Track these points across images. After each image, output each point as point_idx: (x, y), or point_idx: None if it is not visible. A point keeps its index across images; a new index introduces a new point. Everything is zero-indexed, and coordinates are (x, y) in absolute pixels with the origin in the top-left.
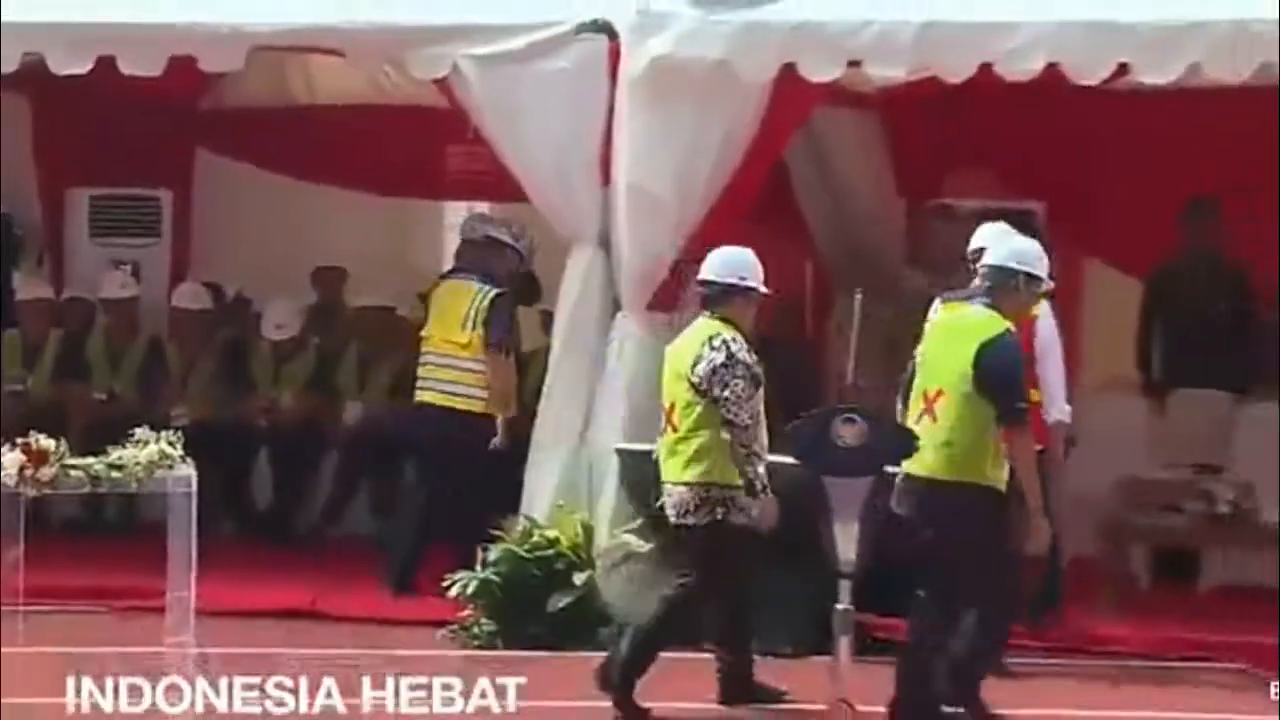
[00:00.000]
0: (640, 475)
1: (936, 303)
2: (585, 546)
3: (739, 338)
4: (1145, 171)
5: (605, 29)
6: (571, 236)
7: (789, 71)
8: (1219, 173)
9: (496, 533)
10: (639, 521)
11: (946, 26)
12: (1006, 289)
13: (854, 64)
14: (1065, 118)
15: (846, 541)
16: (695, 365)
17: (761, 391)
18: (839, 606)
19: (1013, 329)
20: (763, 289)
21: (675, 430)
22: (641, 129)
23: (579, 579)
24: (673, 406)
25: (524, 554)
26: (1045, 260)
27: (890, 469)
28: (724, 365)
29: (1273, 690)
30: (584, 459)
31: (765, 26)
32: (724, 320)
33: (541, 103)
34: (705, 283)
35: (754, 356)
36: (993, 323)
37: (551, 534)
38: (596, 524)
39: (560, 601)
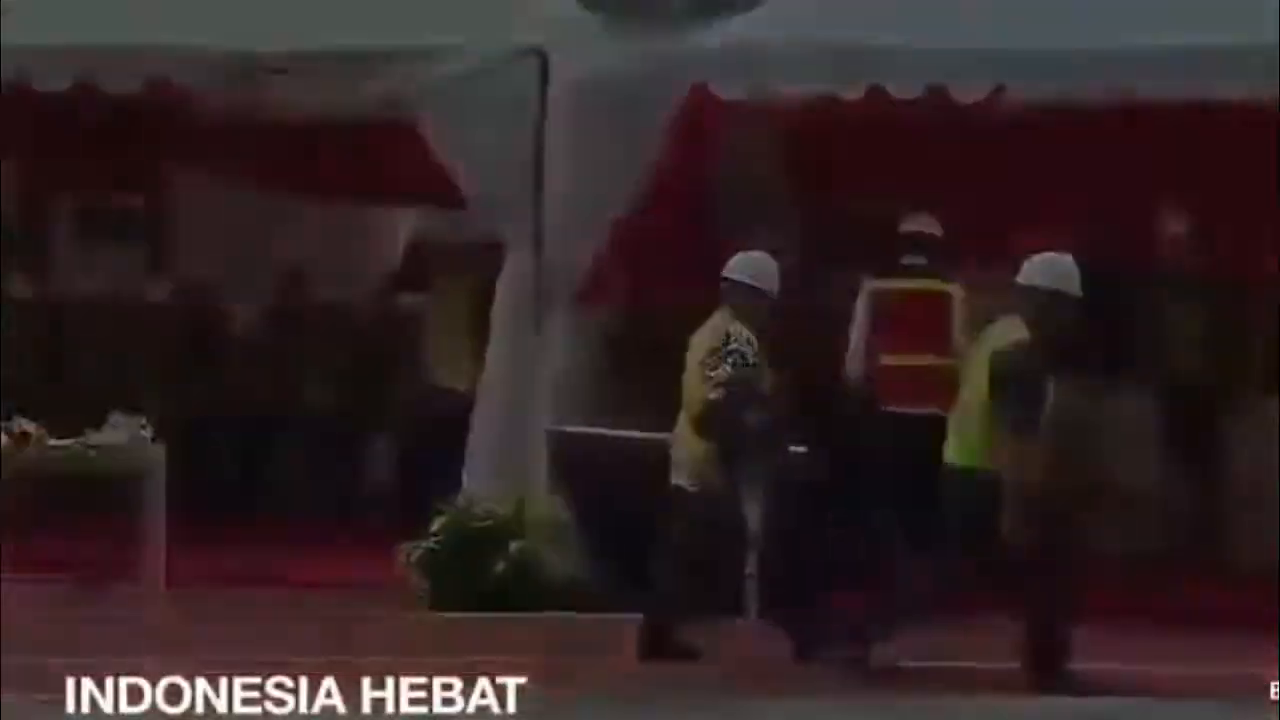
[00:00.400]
0: (566, 454)
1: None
2: (519, 517)
3: (743, 329)
4: (1027, 180)
5: (537, 51)
6: (508, 239)
7: (702, 90)
8: (1104, 184)
9: (440, 506)
10: (566, 494)
11: (839, 52)
12: (1033, 306)
13: (759, 84)
14: (952, 131)
15: (755, 514)
16: (701, 351)
17: (765, 377)
18: (748, 571)
19: (1027, 341)
20: (773, 291)
21: (690, 410)
22: (568, 143)
23: (513, 547)
24: (689, 389)
25: (464, 524)
26: (1073, 273)
27: (795, 448)
28: (715, 350)
29: (1273, 690)
30: (518, 439)
31: (678, 51)
32: (735, 313)
33: (482, 118)
34: (724, 279)
35: (752, 348)
36: (1012, 334)
37: (489, 506)
38: (529, 497)
39: (497, 567)
